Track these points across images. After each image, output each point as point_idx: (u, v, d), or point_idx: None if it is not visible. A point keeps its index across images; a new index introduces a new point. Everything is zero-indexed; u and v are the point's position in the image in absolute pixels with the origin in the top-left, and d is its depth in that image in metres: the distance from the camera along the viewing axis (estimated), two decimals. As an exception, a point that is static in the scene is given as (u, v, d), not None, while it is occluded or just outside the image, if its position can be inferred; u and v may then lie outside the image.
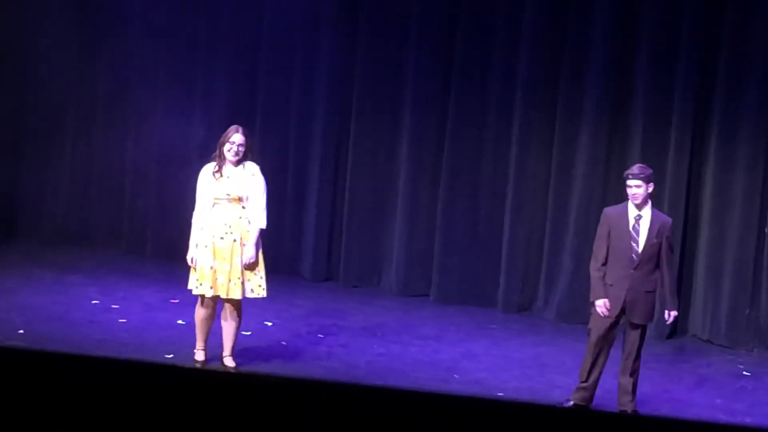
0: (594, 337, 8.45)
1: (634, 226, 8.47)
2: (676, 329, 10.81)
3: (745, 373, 10.13)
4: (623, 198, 11.12)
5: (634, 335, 8.61)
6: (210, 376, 4.45)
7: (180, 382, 3.63)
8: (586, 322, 11.02)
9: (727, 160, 10.71)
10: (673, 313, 8.77)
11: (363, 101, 11.60)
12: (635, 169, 8.54)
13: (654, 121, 10.88)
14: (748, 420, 9.32)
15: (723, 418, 9.30)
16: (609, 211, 8.55)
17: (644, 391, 9.36)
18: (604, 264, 8.52)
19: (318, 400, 3.61)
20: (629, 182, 8.39)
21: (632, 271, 8.47)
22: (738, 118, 10.68)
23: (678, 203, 10.80)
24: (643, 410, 9.12)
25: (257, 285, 8.97)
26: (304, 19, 11.80)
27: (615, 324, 8.57)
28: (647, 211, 8.53)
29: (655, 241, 8.48)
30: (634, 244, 8.41)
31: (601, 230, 8.53)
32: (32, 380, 3.51)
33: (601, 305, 8.38)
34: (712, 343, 10.77)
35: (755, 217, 10.71)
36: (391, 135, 11.62)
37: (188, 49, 12.10)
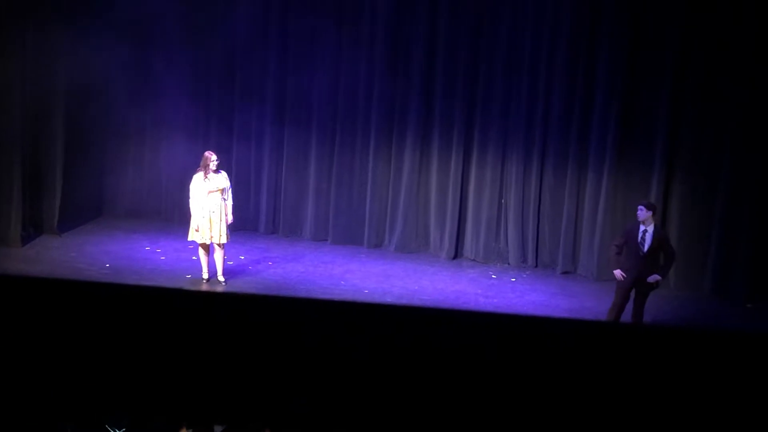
0: None
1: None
2: (457, 252, 13.46)
3: (493, 276, 12.55)
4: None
5: None
6: (200, 296, 4.63)
7: (181, 301, 3.42)
8: (412, 252, 13.09)
9: (483, 163, 13.81)
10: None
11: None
12: None
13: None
14: (495, 301, 11.13)
15: (482, 300, 11.17)
16: None
17: (439, 287, 11.66)
18: None
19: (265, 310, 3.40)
20: None
21: None
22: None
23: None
24: (438, 298, 10.94)
25: (226, 233, 11.22)
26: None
27: None
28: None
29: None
30: None
31: None
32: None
33: None
34: (476, 260, 13.39)
35: (497, 189, 13.68)
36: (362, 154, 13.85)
37: (205, 105, 14.11)
